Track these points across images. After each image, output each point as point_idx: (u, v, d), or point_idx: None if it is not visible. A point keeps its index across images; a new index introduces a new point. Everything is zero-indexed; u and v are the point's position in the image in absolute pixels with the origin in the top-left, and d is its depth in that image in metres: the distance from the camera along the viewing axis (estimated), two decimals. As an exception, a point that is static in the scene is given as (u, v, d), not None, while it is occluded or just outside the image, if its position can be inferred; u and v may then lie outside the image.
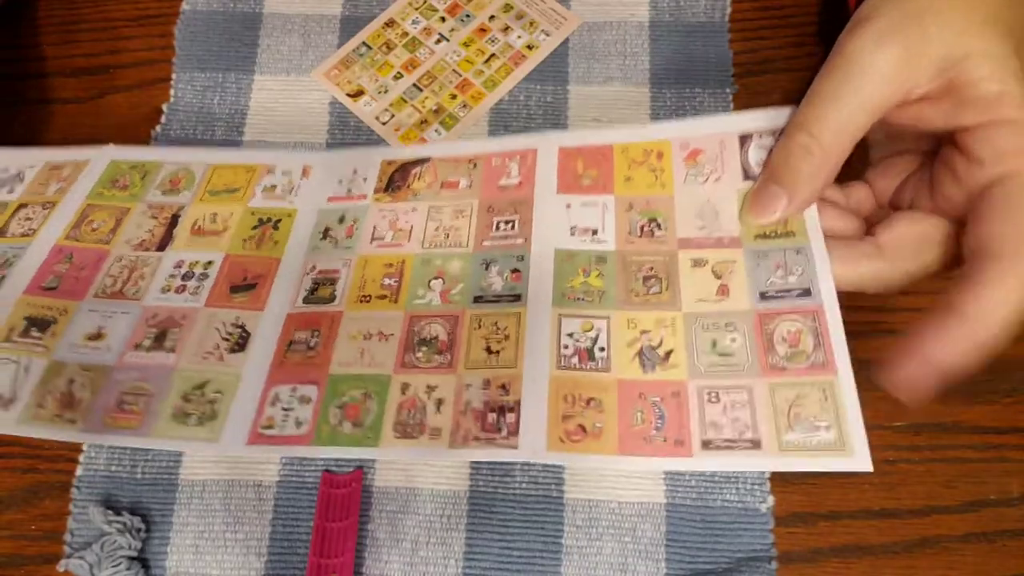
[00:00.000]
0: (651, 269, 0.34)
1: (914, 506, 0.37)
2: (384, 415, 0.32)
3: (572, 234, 0.35)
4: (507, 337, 0.33)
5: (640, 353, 0.31)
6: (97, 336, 0.35)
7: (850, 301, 0.40)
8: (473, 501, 0.37)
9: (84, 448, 0.38)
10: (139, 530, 0.36)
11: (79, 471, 0.38)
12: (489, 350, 0.32)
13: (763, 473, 0.37)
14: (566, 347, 0.32)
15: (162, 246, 0.38)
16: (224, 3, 0.47)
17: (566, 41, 0.46)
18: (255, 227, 0.38)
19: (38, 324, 0.36)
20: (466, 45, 0.46)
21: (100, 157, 0.41)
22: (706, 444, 0.29)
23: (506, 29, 0.46)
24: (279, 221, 0.38)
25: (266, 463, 0.38)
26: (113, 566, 0.35)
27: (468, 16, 0.47)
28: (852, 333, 0.39)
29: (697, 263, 0.33)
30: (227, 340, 0.35)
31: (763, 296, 0.32)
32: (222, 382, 0.34)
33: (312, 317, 0.35)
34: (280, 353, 0.34)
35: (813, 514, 0.37)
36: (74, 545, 0.37)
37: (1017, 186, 0.28)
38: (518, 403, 0.31)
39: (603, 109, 0.44)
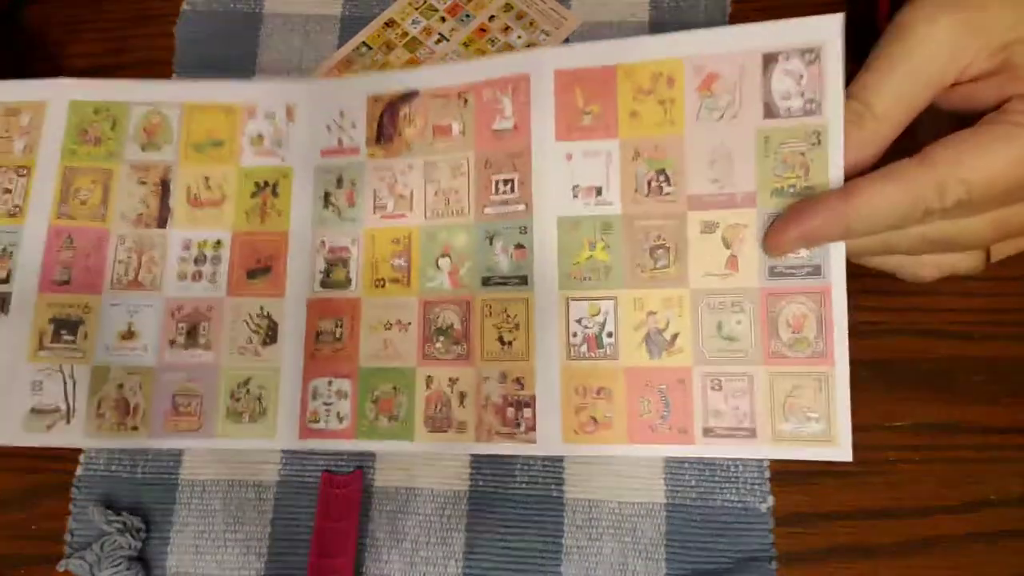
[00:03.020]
0: (659, 237, 0.33)
1: (914, 506, 0.37)
2: (414, 410, 0.35)
3: (575, 196, 0.33)
4: (517, 327, 0.34)
5: (647, 338, 0.33)
6: (129, 335, 0.36)
7: (850, 301, 0.40)
8: (473, 501, 0.37)
9: (84, 448, 0.38)
10: (139, 530, 0.36)
11: (79, 471, 0.38)
12: (502, 340, 0.34)
13: (763, 473, 0.37)
14: (575, 335, 0.33)
15: (162, 222, 0.37)
16: (224, 3, 0.47)
17: (566, 41, 0.46)
18: (254, 194, 0.37)
19: (67, 326, 0.36)
20: (466, 45, 0.46)
21: (56, 98, 0.38)
22: (707, 432, 0.33)
23: (506, 29, 0.46)
24: (277, 185, 0.37)
25: (266, 463, 0.38)
26: (113, 566, 0.35)
27: (468, 16, 0.47)
28: (852, 333, 0.40)
29: (707, 227, 0.32)
30: (257, 333, 0.36)
31: (772, 272, 0.32)
32: (263, 378, 0.36)
33: (333, 305, 0.36)
34: (311, 345, 0.36)
35: (813, 514, 0.37)
36: (74, 545, 0.37)
37: None
38: (533, 398, 0.34)
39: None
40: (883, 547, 0.36)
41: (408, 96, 0.36)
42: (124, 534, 0.35)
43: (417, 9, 0.47)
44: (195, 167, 0.37)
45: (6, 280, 0.37)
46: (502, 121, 0.35)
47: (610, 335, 0.33)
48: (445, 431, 0.35)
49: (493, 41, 0.46)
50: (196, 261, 0.36)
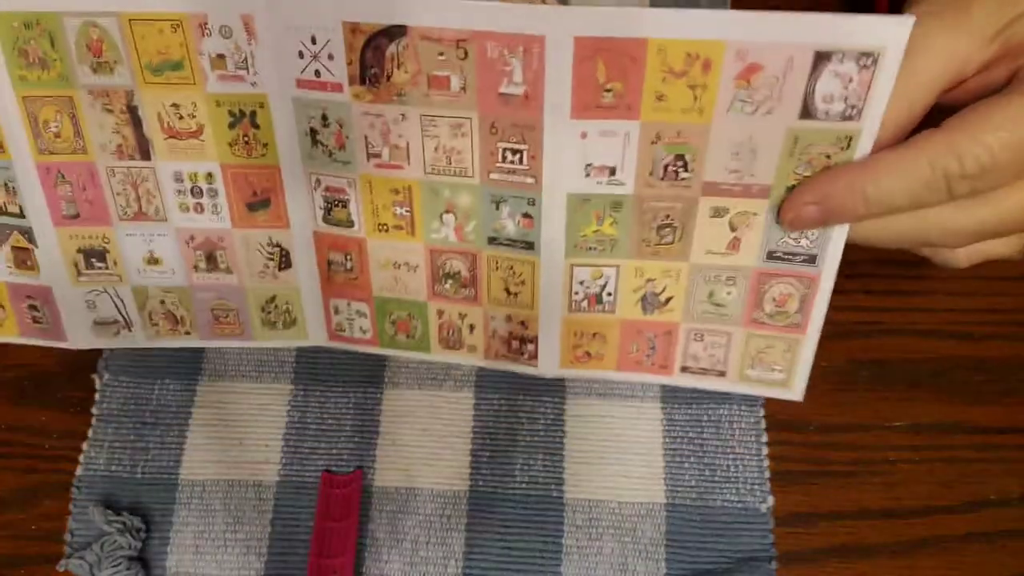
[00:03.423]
0: (668, 217, 0.32)
1: (914, 506, 0.37)
2: (429, 332, 0.38)
3: (587, 175, 0.31)
4: (523, 283, 0.35)
5: (643, 299, 0.35)
6: (154, 261, 0.37)
7: (851, 301, 0.40)
8: (473, 501, 0.37)
9: (84, 448, 0.38)
10: (139, 530, 0.36)
11: (79, 471, 0.38)
12: (508, 291, 0.36)
13: (763, 473, 0.37)
14: (577, 293, 0.35)
15: (145, 153, 0.35)
16: None
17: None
18: (232, 124, 0.35)
19: (95, 255, 0.37)
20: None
21: None
22: (684, 369, 0.37)
23: (506, 29, 0.46)
24: (254, 114, 0.34)
25: (266, 463, 0.38)
26: (113, 566, 0.35)
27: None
28: (852, 333, 0.40)
29: (717, 212, 0.31)
30: (272, 259, 0.37)
31: (770, 255, 0.32)
32: (286, 295, 0.38)
33: (339, 240, 0.36)
34: (324, 271, 0.37)
35: (813, 514, 0.37)
36: (74, 545, 0.37)
37: None
38: (535, 338, 0.37)
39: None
40: (883, 547, 0.36)
41: (393, 31, 0.31)
42: (124, 534, 0.35)
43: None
44: (158, 93, 0.34)
45: (22, 215, 0.37)
46: (510, 86, 0.30)
47: (610, 294, 0.35)
48: (457, 349, 0.38)
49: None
50: (193, 193, 0.36)
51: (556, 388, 0.39)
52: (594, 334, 0.36)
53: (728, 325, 0.35)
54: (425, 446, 0.38)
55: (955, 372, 0.39)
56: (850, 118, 0.28)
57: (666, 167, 0.30)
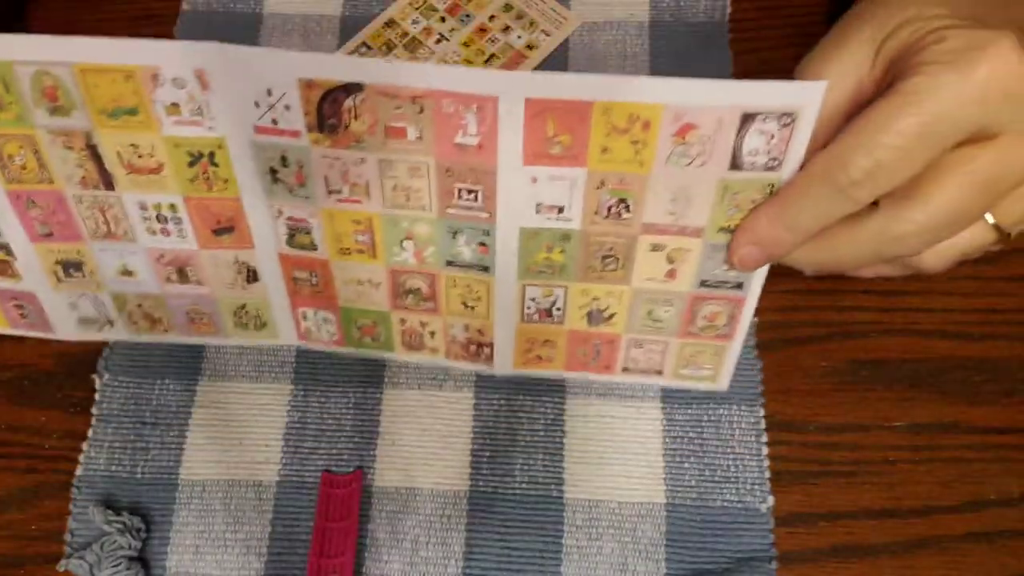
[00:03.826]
0: (611, 249, 0.34)
1: (914, 506, 0.37)
2: (392, 336, 0.39)
3: (537, 212, 0.33)
4: (479, 299, 0.37)
5: (589, 314, 0.37)
6: (128, 272, 0.38)
7: (851, 301, 0.40)
8: (473, 501, 0.37)
9: (84, 448, 0.38)
10: (139, 530, 0.36)
11: (79, 471, 0.38)
12: (465, 304, 0.37)
13: (763, 473, 0.37)
14: (529, 308, 0.37)
15: (108, 185, 0.35)
16: (224, 3, 0.47)
17: (566, 41, 0.46)
18: (191, 163, 0.35)
19: (72, 266, 0.38)
20: (466, 45, 0.46)
21: None
22: (625, 370, 0.39)
23: (506, 29, 0.46)
24: (213, 155, 0.34)
25: (266, 463, 0.38)
26: (113, 566, 0.35)
27: (468, 16, 0.47)
28: (852, 333, 0.40)
29: (656, 247, 0.34)
30: (240, 274, 0.38)
31: (703, 283, 0.35)
32: (256, 304, 0.39)
33: (303, 260, 0.37)
34: (291, 285, 0.38)
35: (813, 514, 0.37)
36: (74, 545, 0.37)
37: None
38: (491, 344, 0.39)
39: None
40: (883, 547, 0.36)
41: (350, 87, 0.32)
42: (124, 534, 0.35)
43: (417, 9, 0.47)
44: (116, 134, 0.34)
45: None
46: (465, 137, 0.32)
47: (559, 310, 0.37)
48: (420, 350, 0.40)
49: (493, 41, 0.46)
50: (159, 219, 0.36)
51: (556, 388, 0.39)
52: (544, 341, 0.38)
53: (664, 336, 0.37)
54: (425, 446, 0.38)
55: (955, 372, 0.39)
56: (772, 168, 0.31)
57: (609, 208, 0.33)
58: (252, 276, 0.38)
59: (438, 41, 0.46)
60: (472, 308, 0.37)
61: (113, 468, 0.38)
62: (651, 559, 0.36)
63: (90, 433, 0.39)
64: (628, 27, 0.46)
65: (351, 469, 0.38)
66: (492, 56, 0.46)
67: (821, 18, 0.46)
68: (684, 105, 0.30)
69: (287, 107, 0.32)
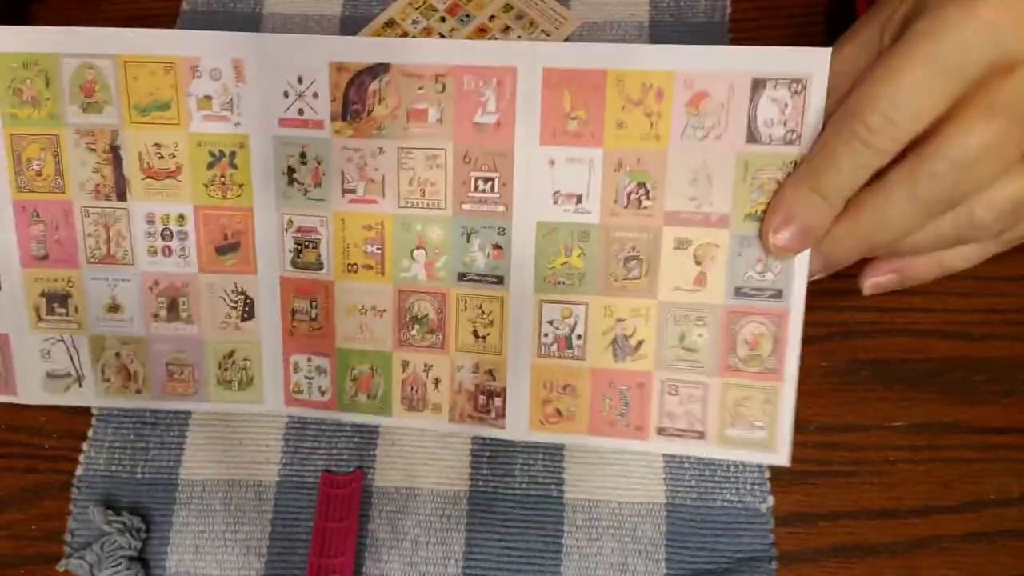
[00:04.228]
0: (634, 248, 0.33)
1: (914, 506, 0.37)
2: (392, 390, 0.37)
3: (555, 202, 0.33)
4: (492, 323, 0.35)
5: (614, 342, 0.35)
6: (115, 308, 0.37)
7: (851, 301, 0.40)
8: (473, 501, 0.37)
9: (84, 448, 0.38)
10: (139, 530, 0.36)
11: (79, 471, 0.38)
12: (476, 334, 0.36)
13: (763, 473, 0.37)
14: (546, 335, 0.35)
15: (121, 193, 0.36)
16: (224, 3, 0.47)
17: (566, 41, 0.46)
18: (210, 165, 0.36)
19: (56, 299, 0.37)
20: (466, 45, 0.46)
21: None
22: (660, 431, 0.35)
23: (506, 29, 0.46)
24: (234, 155, 0.35)
25: (266, 463, 0.38)
26: (113, 566, 0.35)
27: (468, 16, 0.47)
28: (852, 333, 0.40)
29: (680, 244, 0.33)
30: (235, 308, 0.37)
31: (737, 291, 0.33)
32: (246, 350, 0.37)
33: (306, 285, 0.36)
34: (287, 322, 0.37)
35: (813, 514, 0.37)
36: (74, 545, 0.37)
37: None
38: (504, 389, 0.36)
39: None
40: (883, 547, 0.36)
41: (377, 69, 0.34)
42: (124, 534, 0.35)
43: (417, 9, 0.47)
44: (143, 132, 0.36)
45: None
46: (484, 115, 0.33)
47: (579, 337, 0.35)
48: (421, 411, 0.37)
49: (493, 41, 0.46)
50: (163, 236, 0.36)
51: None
52: (564, 386, 0.36)
53: (703, 375, 0.34)
54: (425, 446, 0.38)
55: (955, 372, 0.39)
56: (791, 143, 0.31)
57: (629, 195, 0.33)
58: (248, 311, 0.37)
59: (438, 41, 0.46)
60: (483, 338, 0.35)
61: (113, 468, 0.38)
62: (651, 559, 0.36)
63: (90, 433, 0.39)
64: (628, 27, 0.46)
65: (351, 469, 0.38)
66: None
67: (821, 18, 0.46)
68: (695, 71, 0.31)
69: (315, 94, 0.34)
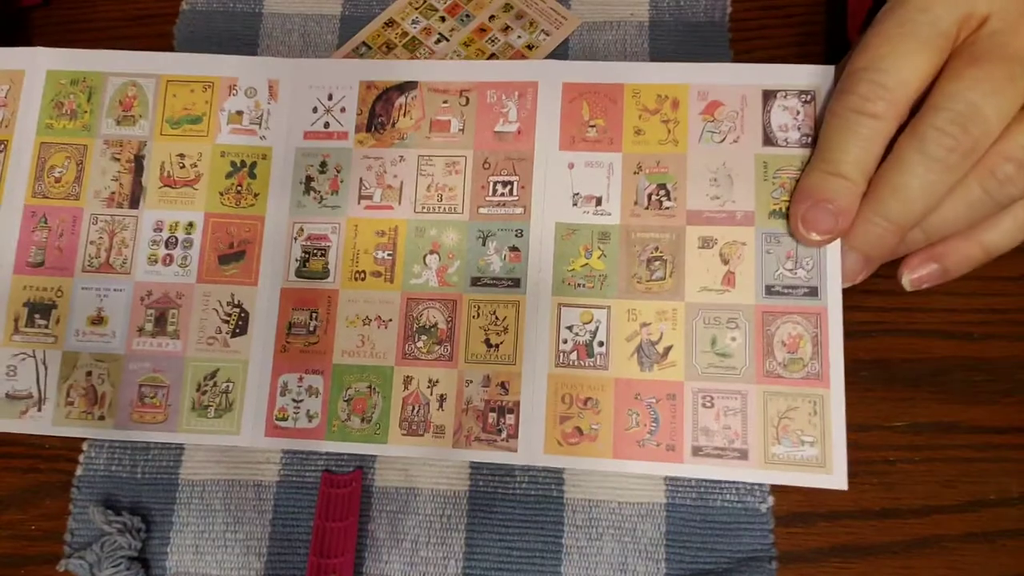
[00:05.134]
0: (656, 249, 0.33)
1: (914, 506, 0.37)
2: (390, 411, 0.34)
3: (575, 204, 0.33)
4: (506, 330, 0.33)
5: (639, 349, 0.32)
6: (99, 320, 0.36)
7: (851, 301, 0.40)
8: (473, 501, 0.37)
9: (84, 448, 0.38)
10: (139, 530, 0.36)
11: (79, 471, 0.38)
12: (488, 343, 0.34)
13: (763, 473, 0.37)
14: (565, 342, 0.33)
15: (134, 201, 0.36)
16: (224, 3, 0.47)
17: (566, 41, 0.46)
18: (229, 174, 0.36)
19: (40, 310, 0.37)
20: (466, 45, 0.46)
21: (34, 68, 0.37)
22: (696, 451, 0.32)
23: (506, 29, 0.46)
24: (254, 165, 0.36)
25: (266, 463, 0.38)
26: (113, 566, 0.35)
27: (468, 16, 0.47)
28: (852, 333, 0.40)
29: (705, 243, 0.32)
30: (227, 322, 0.36)
31: (769, 290, 0.32)
32: (231, 371, 0.35)
33: (308, 295, 0.35)
34: (282, 337, 0.35)
35: (813, 514, 0.37)
36: (74, 545, 0.37)
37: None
38: (517, 404, 0.33)
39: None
40: (883, 547, 0.36)
41: (405, 86, 0.36)
42: (124, 534, 0.36)
43: (417, 9, 0.47)
44: (170, 144, 0.37)
45: None
46: (505, 125, 0.35)
47: (601, 344, 0.33)
48: (421, 435, 0.34)
49: (493, 41, 0.46)
50: (167, 244, 0.36)
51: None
52: (585, 400, 0.33)
53: (739, 382, 0.32)
54: (425, 446, 0.38)
55: (955, 372, 0.39)
56: (807, 145, 0.32)
57: (649, 196, 0.33)
58: (240, 327, 0.36)
59: (438, 41, 0.46)
60: (496, 347, 0.33)
61: (113, 468, 0.38)
62: (651, 559, 0.36)
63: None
64: (628, 27, 0.46)
65: (351, 469, 0.38)
66: (492, 56, 0.45)
67: (821, 18, 0.46)
68: (708, 83, 0.33)
69: (342, 109, 0.36)
